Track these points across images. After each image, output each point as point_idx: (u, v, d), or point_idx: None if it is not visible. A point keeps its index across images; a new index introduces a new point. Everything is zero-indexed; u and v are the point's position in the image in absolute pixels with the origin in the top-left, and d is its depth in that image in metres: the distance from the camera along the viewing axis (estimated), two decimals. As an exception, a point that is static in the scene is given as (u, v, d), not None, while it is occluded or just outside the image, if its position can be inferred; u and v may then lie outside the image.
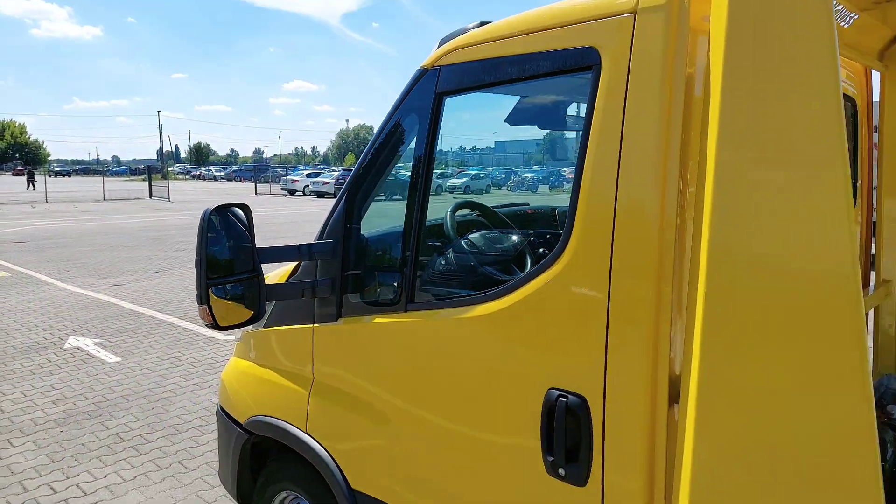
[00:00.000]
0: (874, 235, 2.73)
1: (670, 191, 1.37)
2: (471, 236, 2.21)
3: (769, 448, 1.18)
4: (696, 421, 1.21)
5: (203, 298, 1.94)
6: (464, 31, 1.92)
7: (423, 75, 1.93)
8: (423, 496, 1.91)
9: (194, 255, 1.99)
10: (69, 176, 76.69)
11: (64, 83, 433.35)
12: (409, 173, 1.97)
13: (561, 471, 1.50)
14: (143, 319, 7.69)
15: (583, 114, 1.57)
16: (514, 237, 2.27)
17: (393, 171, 2.12)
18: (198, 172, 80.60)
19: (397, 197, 2.07)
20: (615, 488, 1.44)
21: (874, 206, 2.74)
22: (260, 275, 2.01)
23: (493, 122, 2.48)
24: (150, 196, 34.56)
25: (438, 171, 2.14)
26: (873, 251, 2.75)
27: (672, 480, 1.33)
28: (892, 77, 2.52)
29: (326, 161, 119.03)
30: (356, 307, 2.07)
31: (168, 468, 3.92)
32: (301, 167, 59.36)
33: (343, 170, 41.43)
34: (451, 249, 2.11)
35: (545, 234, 2.41)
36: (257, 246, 2.02)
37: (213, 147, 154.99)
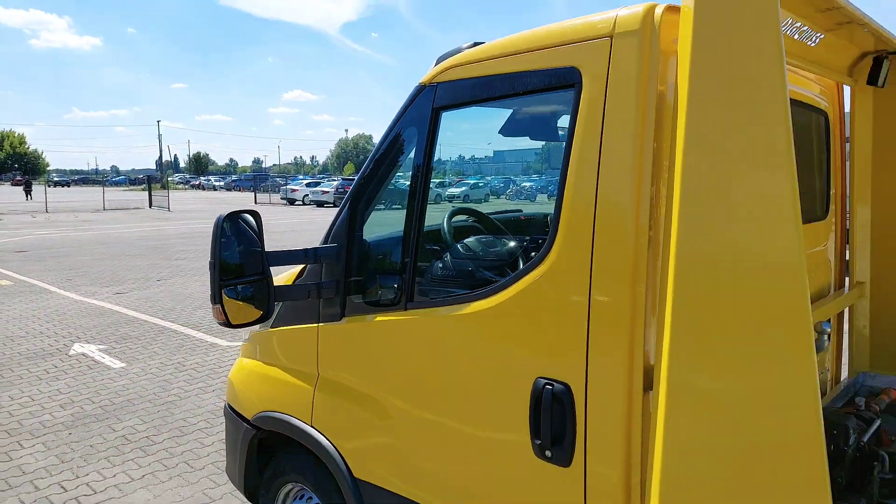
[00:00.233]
0: (848, 241, 2.88)
1: (644, 198, 1.53)
2: (466, 241, 2.36)
3: (730, 424, 1.32)
4: (666, 405, 1.35)
5: (216, 298, 2.09)
6: (458, 50, 2.08)
7: (422, 91, 2.09)
8: (422, 482, 2.04)
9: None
10: (68, 186, 76.83)
11: (63, 93, 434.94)
12: (408, 182, 2.12)
13: (548, 452, 1.65)
14: (146, 326, 7.82)
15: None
16: (507, 241, 2.42)
17: (393, 180, 2.27)
18: (197, 182, 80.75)
19: (397, 204, 2.22)
20: (596, 467, 1.58)
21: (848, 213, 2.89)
22: (269, 277, 2.15)
23: (488, 134, 2.63)
24: (150, 206, 34.70)
25: (438, 181, 2.29)
26: (848, 256, 2.90)
27: (647, 457, 1.47)
28: (861, 92, 2.68)
29: (326, 170, 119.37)
30: (359, 307, 2.21)
31: (175, 468, 4.05)
32: (300, 177, 59.62)
33: (342, 179, 41.58)
34: (447, 252, 2.26)
35: (536, 238, 2.57)
36: (266, 250, 2.16)
37: (213, 157, 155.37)
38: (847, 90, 2.77)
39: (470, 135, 2.72)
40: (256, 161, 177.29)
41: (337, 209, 2.37)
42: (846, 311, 2.86)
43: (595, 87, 1.61)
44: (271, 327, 2.64)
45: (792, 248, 1.30)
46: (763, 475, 1.29)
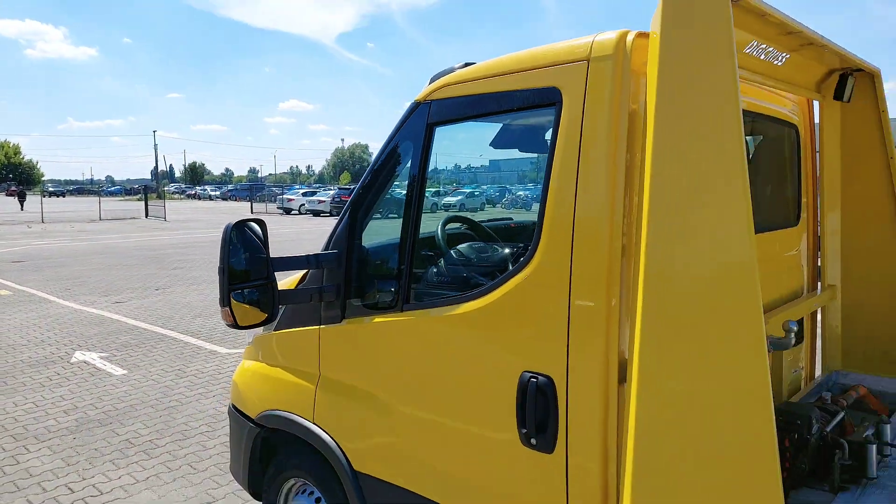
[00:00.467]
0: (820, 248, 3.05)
1: (618, 208, 1.69)
2: (459, 247, 2.52)
3: (691, 409, 1.47)
4: (636, 396, 1.50)
5: (225, 301, 2.23)
6: (451, 70, 2.25)
7: (417, 108, 2.25)
8: (419, 472, 2.18)
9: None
10: (63, 196, 76.74)
11: (58, 103, 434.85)
12: (404, 192, 2.28)
13: (533, 440, 1.79)
14: (146, 334, 7.93)
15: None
16: (497, 247, 2.58)
17: (391, 191, 2.43)
18: (193, 192, 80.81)
19: (394, 213, 2.38)
20: (577, 451, 1.73)
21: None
22: (273, 281, 2.30)
23: (479, 148, 2.80)
24: (146, 216, 34.77)
25: (434, 190, 2.45)
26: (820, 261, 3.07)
27: (622, 442, 1.62)
28: (829, 106, 2.85)
29: (322, 180, 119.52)
30: (358, 309, 2.36)
31: (178, 470, 4.17)
32: (296, 186, 59.73)
33: (339, 188, 41.72)
34: (441, 258, 2.42)
35: (524, 244, 2.72)
36: (271, 256, 2.31)
37: (209, 166, 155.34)
38: (817, 105, 2.95)
39: (462, 148, 2.89)
40: (252, 171, 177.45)
41: (334, 218, 2.53)
42: (819, 312, 3.02)
43: (574, 105, 1.77)
44: (274, 330, 2.79)
45: (745, 256, 1.44)
46: (723, 462, 1.43)
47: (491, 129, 2.42)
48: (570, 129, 1.78)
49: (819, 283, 3.06)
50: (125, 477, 4.07)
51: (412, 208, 2.22)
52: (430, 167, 2.28)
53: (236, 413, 3.01)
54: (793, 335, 2.27)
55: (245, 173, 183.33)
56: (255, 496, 2.98)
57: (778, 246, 2.84)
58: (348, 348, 2.43)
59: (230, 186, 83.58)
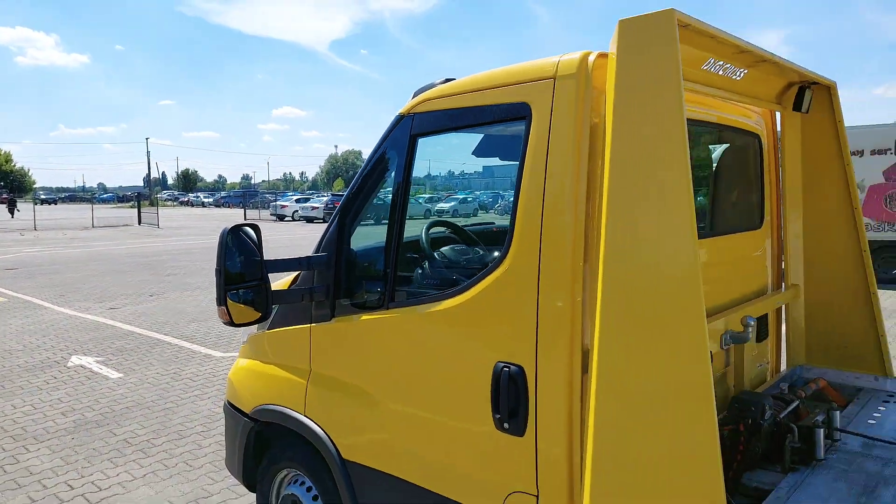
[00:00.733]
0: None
1: (580, 213, 1.86)
2: (442, 249, 2.69)
3: (644, 397, 1.64)
4: (596, 384, 1.67)
5: (221, 301, 2.39)
6: (432, 85, 2.43)
7: (401, 120, 2.43)
8: (403, 458, 2.34)
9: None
10: (55, 203, 76.52)
11: (50, 110, 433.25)
12: (389, 198, 2.45)
13: (506, 425, 1.96)
14: (141, 339, 8.04)
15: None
16: (478, 249, 2.75)
17: (377, 197, 2.60)
18: (186, 199, 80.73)
19: (380, 218, 2.55)
20: (545, 433, 1.90)
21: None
22: (267, 282, 2.46)
23: (459, 156, 2.98)
24: (139, 223, 34.79)
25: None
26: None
27: (585, 425, 1.79)
28: (790, 117, 3.05)
29: (315, 186, 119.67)
30: (347, 308, 2.53)
31: (174, 467, 4.30)
32: (290, 193, 59.83)
33: (332, 195, 41.90)
34: (424, 259, 2.59)
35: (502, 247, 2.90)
36: (265, 259, 2.48)
37: (201, 173, 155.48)
38: (779, 116, 3.14)
39: (443, 158, 3.07)
40: (245, 177, 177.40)
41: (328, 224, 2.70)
42: (783, 309, 3.21)
43: (542, 119, 1.95)
44: (268, 329, 2.94)
45: (688, 259, 1.61)
46: (672, 447, 1.59)
47: (469, 139, 2.60)
48: (538, 141, 1.95)
49: (783, 283, 3.24)
50: (123, 474, 4.20)
51: (397, 213, 2.39)
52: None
53: (232, 409, 3.16)
54: (750, 329, 2.45)
55: (238, 180, 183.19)
56: (250, 488, 3.13)
57: (742, 246, 3.03)
58: (337, 345, 2.59)
59: (223, 193, 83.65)
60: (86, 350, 7.50)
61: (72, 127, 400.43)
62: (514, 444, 1.96)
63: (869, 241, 3.03)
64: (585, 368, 1.85)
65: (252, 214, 42.57)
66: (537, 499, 1.93)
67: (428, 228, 2.77)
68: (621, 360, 1.67)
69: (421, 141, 2.40)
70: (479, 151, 2.78)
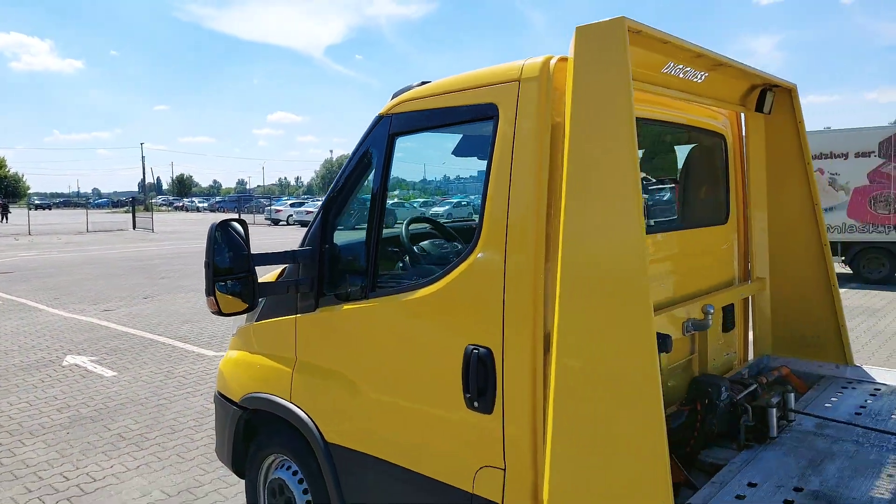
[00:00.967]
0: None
1: (542, 208, 2.00)
2: (421, 243, 2.84)
3: (599, 378, 1.78)
4: (556, 364, 1.81)
5: (210, 291, 2.53)
6: (409, 87, 2.57)
7: (381, 120, 2.57)
8: (381, 438, 2.47)
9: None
10: (50, 209, 76.36)
11: (44, 116, 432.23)
12: (370, 194, 2.59)
13: (475, 403, 2.10)
14: (135, 340, 8.15)
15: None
16: (456, 243, 2.90)
17: (358, 193, 2.75)
18: (181, 204, 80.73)
19: (362, 211, 2.69)
20: (511, 409, 2.04)
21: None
22: (254, 274, 2.60)
23: (437, 154, 3.13)
24: (134, 227, 34.83)
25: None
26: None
27: (546, 402, 1.93)
28: (753, 118, 3.20)
29: (310, 191, 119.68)
30: (330, 299, 2.67)
31: (167, 459, 4.42)
32: (285, 197, 59.92)
33: (326, 199, 41.91)
34: (403, 252, 2.73)
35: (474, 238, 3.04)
36: (252, 252, 2.61)
37: (196, 178, 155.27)
38: (743, 117, 3.30)
39: (421, 156, 3.21)
40: (241, 182, 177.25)
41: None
42: (750, 301, 3.36)
43: (507, 119, 2.10)
44: (255, 321, 3.08)
45: (636, 250, 1.75)
46: (622, 425, 1.72)
47: (445, 138, 2.74)
48: (504, 139, 2.10)
49: (750, 277, 3.39)
50: (117, 466, 4.32)
51: (376, 208, 2.53)
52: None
53: (222, 399, 3.29)
54: (709, 317, 2.59)
55: (233, 185, 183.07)
56: (239, 474, 3.25)
57: (709, 240, 3.18)
58: (321, 334, 2.72)
59: (218, 198, 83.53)
60: (80, 350, 7.60)
61: (66, 132, 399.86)
62: (483, 421, 2.10)
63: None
64: (547, 349, 1.99)
65: (247, 219, 42.26)
66: (504, 472, 2.06)
67: (408, 224, 2.92)
68: (577, 342, 1.81)
69: (399, 140, 2.54)
70: (459, 151, 2.92)
